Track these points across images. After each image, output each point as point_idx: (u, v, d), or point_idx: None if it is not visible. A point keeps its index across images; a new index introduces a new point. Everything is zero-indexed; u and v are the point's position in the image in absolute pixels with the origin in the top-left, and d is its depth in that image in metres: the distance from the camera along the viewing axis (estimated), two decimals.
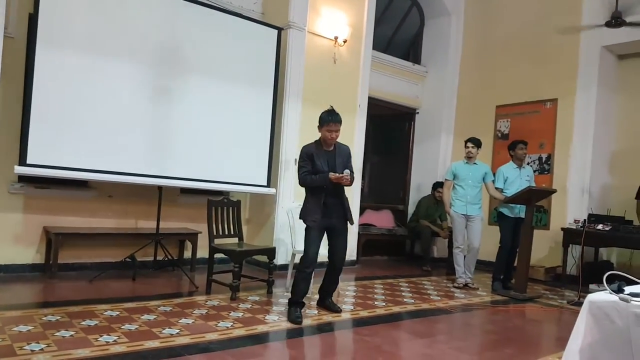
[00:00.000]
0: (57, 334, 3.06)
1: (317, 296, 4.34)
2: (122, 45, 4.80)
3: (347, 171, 3.85)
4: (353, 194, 6.63)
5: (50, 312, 3.52)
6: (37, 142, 4.35)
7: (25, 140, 4.32)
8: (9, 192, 4.74)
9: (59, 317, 3.40)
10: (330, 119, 3.88)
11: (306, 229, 3.98)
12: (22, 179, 4.75)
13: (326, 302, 4.21)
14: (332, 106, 4.00)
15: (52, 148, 4.44)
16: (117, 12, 4.77)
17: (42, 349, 2.78)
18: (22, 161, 4.31)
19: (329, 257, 4.12)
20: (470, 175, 5.71)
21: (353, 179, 3.98)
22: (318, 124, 3.97)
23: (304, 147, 4.05)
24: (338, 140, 4.03)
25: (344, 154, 4.06)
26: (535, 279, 6.33)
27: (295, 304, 3.91)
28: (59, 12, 4.43)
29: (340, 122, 3.92)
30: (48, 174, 4.47)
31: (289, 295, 4.01)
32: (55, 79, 4.43)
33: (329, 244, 4.10)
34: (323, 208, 3.93)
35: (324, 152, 3.98)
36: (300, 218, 4.04)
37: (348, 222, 4.07)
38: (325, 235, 4.04)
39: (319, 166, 3.92)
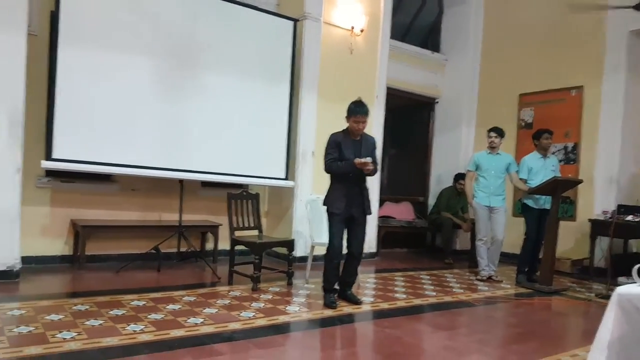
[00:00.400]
0: (87, 322, 3.14)
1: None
2: (141, 41, 4.86)
3: (369, 158, 3.89)
4: (372, 186, 6.59)
5: (79, 301, 3.61)
6: (62, 137, 4.45)
7: (50, 136, 4.43)
8: (36, 187, 4.85)
9: (88, 307, 3.49)
10: (358, 110, 3.95)
11: (330, 218, 4.05)
12: (49, 173, 4.86)
13: (346, 294, 4.21)
14: (360, 97, 4.06)
15: (76, 143, 4.54)
16: (134, 8, 4.82)
17: (73, 337, 2.85)
18: (48, 156, 4.42)
19: (347, 247, 4.16)
20: (494, 165, 5.62)
21: (376, 170, 4.07)
22: (346, 114, 4.03)
23: (332, 135, 4.09)
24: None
25: (370, 144, 4.13)
26: (561, 272, 6.21)
27: (329, 291, 4.07)
28: (80, 9, 4.51)
29: (367, 113, 3.99)
30: (73, 168, 4.58)
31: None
32: (77, 75, 4.52)
33: (348, 234, 4.14)
34: (347, 197, 3.99)
35: (351, 141, 4.04)
36: (324, 205, 4.11)
37: (366, 213, 4.12)
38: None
39: (346, 154, 3.97)
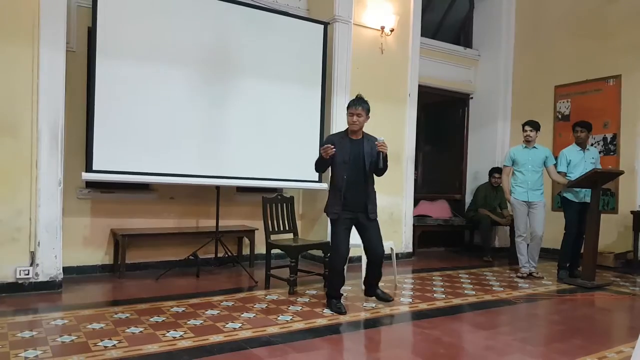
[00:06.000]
0: (128, 330, 3.21)
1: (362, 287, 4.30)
2: (175, 52, 4.96)
3: (382, 138, 3.82)
4: (406, 185, 6.55)
5: (120, 310, 3.70)
6: (101, 150, 4.59)
7: (90, 148, 4.57)
8: (77, 198, 5.02)
9: (128, 315, 3.58)
10: (351, 103, 3.88)
11: (332, 224, 3.98)
12: (89, 184, 5.02)
13: (376, 293, 4.16)
14: (359, 94, 3.94)
15: (115, 154, 4.67)
16: (168, 20, 4.93)
17: (114, 345, 2.93)
18: (89, 168, 4.56)
19: (365, 252, 4.06)
20: (530, 160, 5.49)
21: (385, 168, 3.93)
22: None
23: (328, 135, 4.12)
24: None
25: (373, 142, 3.92)
26: (604, 266, 6.02)
27: (334, 297, 3.95)
28: (115, 24, 4.64)
29: (361, 106, 3.83)
30: (112, 179, 4.72)
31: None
32: (114, 88, 4.65)
33: (362, 239, 4.01)
34: (343, 201, 3.86)
35: (349, 140, 3.91)
36: (324, 211, 4.05)
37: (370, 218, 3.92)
38: (355, 230, 3.98)
39: (341, 154, 3.85)
